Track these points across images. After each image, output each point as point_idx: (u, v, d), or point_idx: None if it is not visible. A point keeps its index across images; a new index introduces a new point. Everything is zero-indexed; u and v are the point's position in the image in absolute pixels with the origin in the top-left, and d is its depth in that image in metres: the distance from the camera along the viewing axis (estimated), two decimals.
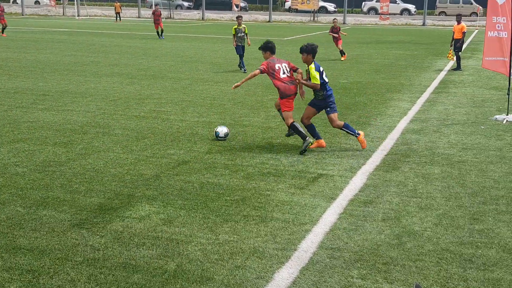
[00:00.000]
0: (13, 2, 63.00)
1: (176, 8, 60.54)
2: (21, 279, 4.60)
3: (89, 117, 10.76)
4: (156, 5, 34.81)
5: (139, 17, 56.35)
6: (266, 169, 7.65)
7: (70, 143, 8.86)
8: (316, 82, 8.38)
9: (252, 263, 4.93)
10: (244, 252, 5.14)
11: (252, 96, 13.28)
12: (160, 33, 30.43)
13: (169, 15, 55.37)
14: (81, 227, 5.65)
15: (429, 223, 5.81)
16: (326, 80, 8.51)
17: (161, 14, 31.21)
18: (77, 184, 6.95)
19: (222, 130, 9.21)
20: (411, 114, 11.37)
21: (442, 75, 17.39)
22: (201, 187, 6.89)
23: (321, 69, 8.50)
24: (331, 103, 8.54)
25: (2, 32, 30.85)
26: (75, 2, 56.39)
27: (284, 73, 8.53)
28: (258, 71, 8.57)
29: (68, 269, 4.78)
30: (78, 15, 55.69)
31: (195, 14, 57.93)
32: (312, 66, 8.40)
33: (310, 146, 8.50)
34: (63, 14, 59.46)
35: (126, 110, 11.46)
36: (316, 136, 8.65)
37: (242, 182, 7.10)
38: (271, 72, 8.54)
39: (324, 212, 6.12)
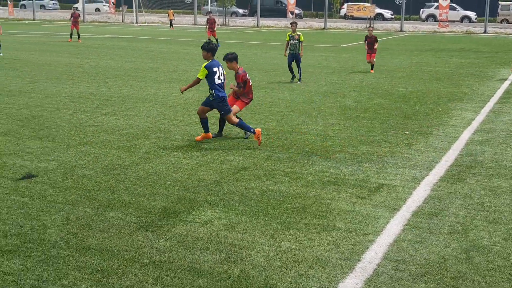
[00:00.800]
0: (76, 10, 64.98)
1: (231, 15, 61.26)
2: (92, 278, 4.74)
3: (150, 122, 11.00)
4: (209, 12, 35.03)
5: (195, 24, 57.27)
6: (326, 177, 7.61)
7: (133, 147, 9.08)
8: (198, 77, 9.32)
9: (315, 272, 4.91)
10: (307, 260, 5.12)
11: (310, 103, 13.25)
12: (216, 41, 30.72)
13: (224, 22, 56.06)
14: (147, 229, 5.78)
15: (498, 237, 5.63)
16: (217, 82, 9.24)
17: (215, 22, 31.30)
18: (141, 188, 7.11)
19: None
20: (475, 124, 11.06)
21: (506, 84, 16.85)
22: (262, 194, 6.92)
23: (215, 69, 9.20)
24: (221, 106, 9.31)
25: (78, 37, 32.20)
26: (134, 9, 57.91)
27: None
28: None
29: (136, 270, 4.90)
30: (136, 22, 57.14)
31: (250, 21, 58.40)
32: (204, 64, 9.24)
33: (197, 138, 9.52)
34: (122, 21, 61.14)
35: (186, 116, 11.66)
36: (206, 129, 9.53)
37: (302, 190, 7.09)
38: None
39: (387, 223, 6.02)
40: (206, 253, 5.25)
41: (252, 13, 62.39)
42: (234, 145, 9.32)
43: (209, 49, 9.28)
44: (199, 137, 9.56)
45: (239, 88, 9.75)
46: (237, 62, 9.75)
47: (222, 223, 5.97)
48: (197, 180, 7.45)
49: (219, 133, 9.87)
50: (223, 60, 9.76)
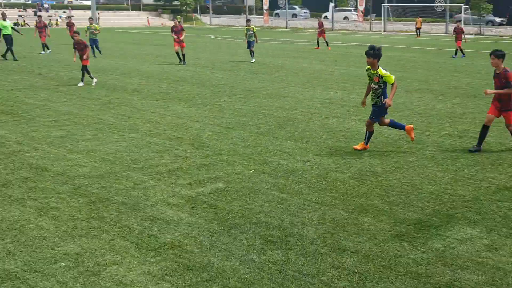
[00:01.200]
0: (324, 18, 67.54)
1: (486, 24, 57.26)
2: (349, 279, 4.84)
3: (402, 132, 10.82)
4: (458, 21, 33.18)
5: (446, 33, 54.96)
6: None
7: (385, 155, 9.05)
8: (393, 81, 8.94)
9: None
10: None
11: None
12: (460, 52, 28.89)
13: (479, 31, 52.70)
14: (401, 239, 5.69)
15: None
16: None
17: (463, 31, 29.07)
18: (394, 196, 7.03)
19: None
20: None
21: None
22: None
23: None
24: (382, 111, 9.11)
25: (327, 45, 33.82)
26: (382, 17, 58.00)
27: None
28: None
29: (392, 278, 4.85)
30: (384, 30, 57.11)
31: (508, 30, 53.82)
32: (382, 69, 8.92)
33: (355, 147, 9.38)
34: (370, 29, 61.70)
35: (439, 128, 11.22)
36: (367, 141, 9.36)
37: None
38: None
39: None
40: (467, 272, 4.95)
41: (511, 22, 57.45)
42: (494, 161, 8.65)
43: (376, 55, 9.00)
44: (357, 146, 9.42)
45: (510, 86, 8.95)
46: (503, 61, 9.10)
47: (483, 243, 5.58)
48: (454, 195, 7.09)
49: (478, 147, 9.26)
50: (490, 55, 9.16)
